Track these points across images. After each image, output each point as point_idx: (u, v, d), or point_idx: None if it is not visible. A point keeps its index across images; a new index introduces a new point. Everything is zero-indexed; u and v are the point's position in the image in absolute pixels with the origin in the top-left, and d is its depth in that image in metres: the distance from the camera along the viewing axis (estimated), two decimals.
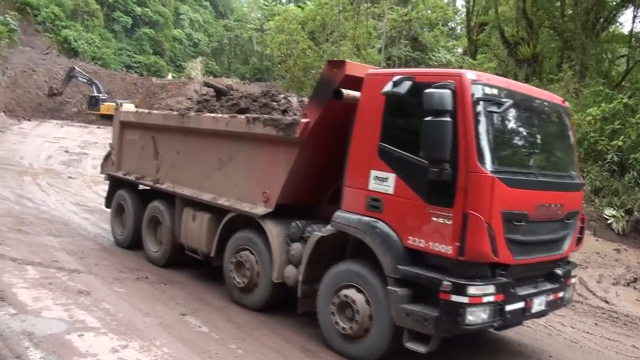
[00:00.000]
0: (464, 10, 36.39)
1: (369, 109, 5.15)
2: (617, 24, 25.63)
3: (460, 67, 35.96)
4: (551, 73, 24.02)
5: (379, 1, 40.04)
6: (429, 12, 39.78)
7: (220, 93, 8.08)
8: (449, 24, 42.75)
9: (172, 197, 7.60)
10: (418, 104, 4.59)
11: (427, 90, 4.47)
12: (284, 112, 6.98)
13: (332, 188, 6.05)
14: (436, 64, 39.80)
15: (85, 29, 50.99)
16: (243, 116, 6.42)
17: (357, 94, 5.29)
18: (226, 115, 6.70)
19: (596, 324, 7.35)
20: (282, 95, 7.43)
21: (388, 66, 41.32)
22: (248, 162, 6.36)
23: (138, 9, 54.74)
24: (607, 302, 8.27)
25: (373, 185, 5.04)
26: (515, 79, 20.70)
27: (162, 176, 7.86)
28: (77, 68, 39.22)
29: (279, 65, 43.40)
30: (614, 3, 23.36)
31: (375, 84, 5.12)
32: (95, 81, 38.43)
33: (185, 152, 7.41)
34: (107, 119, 35.99)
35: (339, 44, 38.98)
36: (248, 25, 59.42)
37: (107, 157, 9.64)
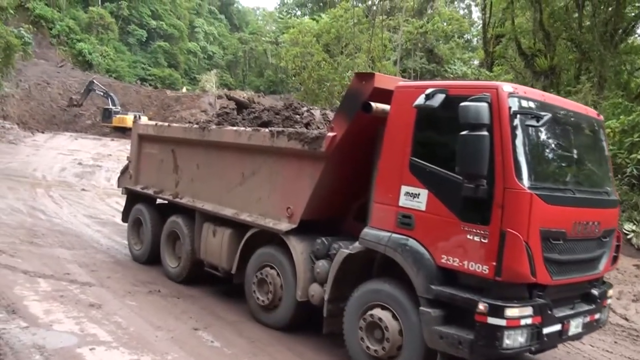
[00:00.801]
0: (480, 22, 36.34)
1: (399, 122, 5.06)
2: (636, 35, 25.38)
3: (477, 80, 35.89)
4: (569, 85, 23.79)
5: (394, 13, 40.10)
6: (445, 24, 39.78)
7: (241, 106, 8.07)
8: (465, 36, 42.74)
9: (192, 212, 7.56)
10: (452, 117, 4.49)
11: (463, 104, 4.36)
12: (307, 125, 6.94)
13: (358, 203, 5.99)
14: (451, 76, 39.73)
15: (99, 42, 51.69)
16: (267, 129, 6.37)
17: (386, 107, 5.22)
18: (249, 129, 6.67)
19: (616, 342, 7.17)
20: (304, 108, 7.38)
21: (403, 78, 41.20)
22: (271, 177, 6.31)
23: (153, 22, 55.49)
24: (626, 319, 8.08)
25: (404, 201, 4.92)
26: None
27: (182, 190, 7.82)
28: (95, 81, 39.67)
29: (293, 78, 43.62)
30: (633, 14, 23.15)
31: (406, 97, 5.02)
32: (111, 94, 38.89)
33: (205, 166, 7.37)
34: (120, 131, 36.52)
35: (354, 56, 39.10)
36: (263, 38, 59.97)
37: (124, 171, 9.65)
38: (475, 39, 42.62)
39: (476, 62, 38.18)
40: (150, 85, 51.26)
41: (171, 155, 8.10)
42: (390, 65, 39.56)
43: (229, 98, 8.34)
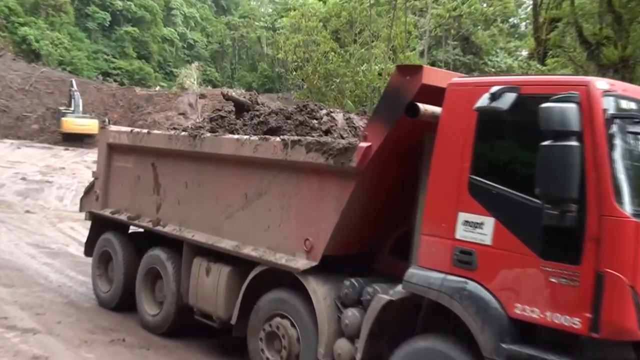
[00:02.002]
0: (530, 2, 36.46)
1: (455, 129, 4.94)
2: None
3: (526, 74, 35.58)
4: None
5: None
6: (485, 5, 39.94)
7: (241, 108, 8.04)
8: (511, 20, 42.91)
9: (178, 243, 7.52)
10: (526, 123, 4.41)
11: (545, 106, 4.22)
12: (326, 132, 6.94)
13: (396, 234, 5.98)
14: (492, 70, 39.84)
15: (50, 27, 51.98)
16: (277, 138, 6.33)
17: (437, 109, 5.11)
18: (254, 137, 6.62)
19: None
20: (323, 111, 7.36)
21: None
22: (284, 200, 6.25)
23: (118, 3, 56.10)
24: None
25: (462, 232, 4.79)
26: None
27: (165, 216, 7.80)
28: (73, 81, 39.98)
29: (294, 73, 43.78)
30: None
31: (464, 97, 4.91)
32: (76, 92, 39.01)
33: (197, 185, 7.35)
34: (73, 139, 36.61)
35: (370, 45, 39.25)
36: (256, 23, 60.43)
37: (88, 190, 9.66)
38: (524, 23, 42.79)
39: (524, 53, 38.30)
40: (115, 81, 51.60)
41: (151, 171, 8.07)
42: (415, 57, 39.71)
43: (227, 98, 8.30)
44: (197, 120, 47.29)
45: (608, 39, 25.74)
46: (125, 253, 8.57)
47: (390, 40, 37.94)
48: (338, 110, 7.87)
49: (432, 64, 40.22)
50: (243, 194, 6.66)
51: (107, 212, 8.85)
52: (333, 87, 39.49)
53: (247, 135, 7.02)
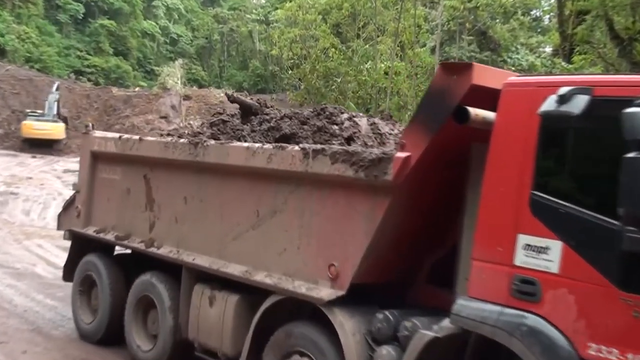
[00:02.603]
0: None
1: (513, 137, 4.78)
2: None
3: (550, 73, 35.87)
4: None
5: None
6: None
7: (248, 111, 7.96)
8: (533, 12, 43.11)
9: (176, 268, 7.40)
10: (602, 130, 4.31)
11: (630, 111, 4.02)
12: (349, 140, 6.88)
13: (433, 258, 5.93)
14: (512, 68, 39.97)
15: (16, 20, 51.86)
16: (297, 147, 6.17)
17: (489, 114, 4.95)
18: (268, 146, 6.47)
19: None
20: (344, 115, 7.27)
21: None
22: (304, 218, 6.10)
23: None
24: None
25: (522, 258, 4.62)
26: None
27: (160, 236, 7.68)
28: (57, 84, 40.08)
29: (289, 72, 43.93)
30: None
31: (523, 99, 4.76)
32: (55, 93, 39.02)
33: (198, 201, 7.23)
34: (36, 145, 36.47)
35: (376, 41, 39.40)
36: (248, 16, 60.69)
37: (68, 205, 9.60)
38: (547, 16, 42.94)
39: (548, 49, 38.47)
40: (89, 80, 51.61)
41: (143, 184, 7.96)
42: (425, 54, 39.93)
43: (232, 100, 8.18)
44: (181, 124, 47.49)
45: None
46: (112, 278, 8.47)
47: (398, 35, 38.06)
48: (361, 114, 7.71)
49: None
50: (254, 211, 6.53)
51: (90, 231, 8.74)
52: (333, 87, 39.64)
53: (258, 142, 6.91)
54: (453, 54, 39.24)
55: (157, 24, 60.41)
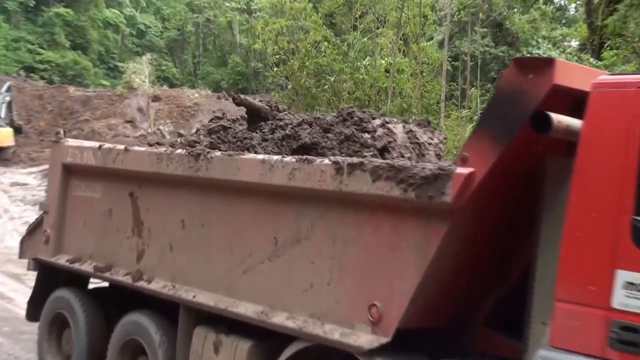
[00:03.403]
0: None
1: (607, 150, 4.56)
2: None
3: None
4: None
5: None
6: None
7: (256, 116, 7.75)
8: (556, 1, 43.43)
9: (171, 307, 7.17)
10: None
11: None
12: (383, 150, 6.74)
13: (496, 296, 5.73)
14: None
15: None
16: (327, 160, 5.88)
17: (574, 121, 4.76)
18: (289, 158, 6.18)
19: None
20: (377, 122, 7.12)
21: (453, 68, 41.73)
22: (336, 248, 5.83)
23: None
24: None
25: (623, 299, 4.39)
26: None
27: (150, 267, 7.47)
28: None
29: (275, 69, 43.78)
30: None
31: (619, 103, 4.54)
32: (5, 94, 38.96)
33: (199, 225, 7.02)
34: None
35: (375, 33, 39.40)
36: (227, 4, 60.77)
37: (34, 229, 9.44)
38: (573, 5, 43.14)
39: (574, 44, 38.46)
40: (42, 78, 51.39)
41: (129, 204, 7.76)
42: (432, 48, 39.87)
43: (238, 103, 7.92)
44: (150, 130, 47.37)
45: None
46: (90, 318, 8.29)
47: (401, 26, 38.00)
48: (395, 119, 7.44)
49: (455, 58, 40.35)
50: (271, 238, 6.27)
51: (62, 261, 8.51)
52: (326, 87, 39.46)
53: (269, 153, 6.75)
54: (464, 48, 39.24)
55: (121, 12, 60.55)
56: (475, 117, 33.88)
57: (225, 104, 56.86)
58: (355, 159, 5.78)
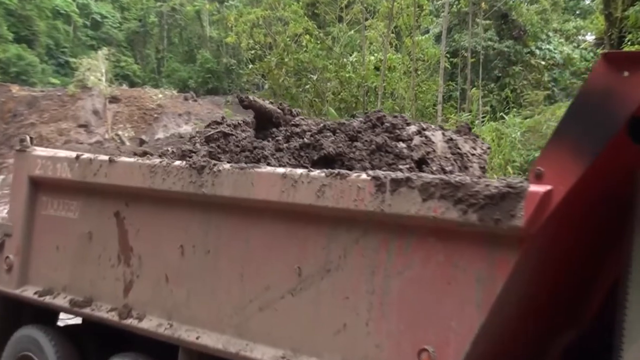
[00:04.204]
0: None
1: None
2: None
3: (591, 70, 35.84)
4: None
5: None
6: None
7: (266, 121, 7.60)
8: None
9: (167, 348, 6.91)
10: None
11: None
12: (421, 162, 6.57)
13: (569, 338, 5.59)
14: (542, 63, 40.25)
15: None
16: (364, 175, 5.60)
17: None
18: (318, 172, 5.90)
19: None
20: (412, 128, 6.84)
21: (452, 65, 41.88)
22: (376, 280, 5.56)
23: None
24: None
25: None
26: None
27: (141, 302, 7.18)
28: None
29: (250, 66, 43.91)
30: None
31: None
32: None
33: (203, 251, 6.73)
34: None
35: (363, 25, 39.59)
36: None
37: None
38: None
39: (590, 38, 38.75)
40: None
41: (114, 225, 7.47)
42: (429, 42, 40.04)
43: (246, 105, 7.65)
44: (107, 135, 47.34)
45: None
46: None
47: (393, 17, 38.14)
48: (432, 126, 7.22)
49: (454, 54, 40.44)
50: (293, 268, 5.99)
51: (28, 293, 8.22)
52: (308, 86, 39.63)
53: (284, 165, 6.64)
54: (464, 43, 39.44)
55: (73, 1, 60.15)
56: (477, 122, 34.02)
57: (193, 106, 57.27)
58: (400, 174, 5.49)
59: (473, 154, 6.97)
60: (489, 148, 7.84)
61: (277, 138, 7.26)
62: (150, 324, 6.95)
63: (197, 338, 6.54)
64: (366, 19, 39.95)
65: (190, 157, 7.36)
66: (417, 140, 6.64)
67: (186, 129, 49.76)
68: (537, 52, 37.45)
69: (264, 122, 7.65)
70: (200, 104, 54.19)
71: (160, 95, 52.94)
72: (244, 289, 6.34)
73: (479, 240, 5.01)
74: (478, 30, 39.42)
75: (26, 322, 8.60)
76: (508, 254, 4.88)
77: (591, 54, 34.86)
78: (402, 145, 6.53)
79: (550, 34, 38.09)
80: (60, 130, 44.35)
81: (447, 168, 6.59)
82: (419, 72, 38.41)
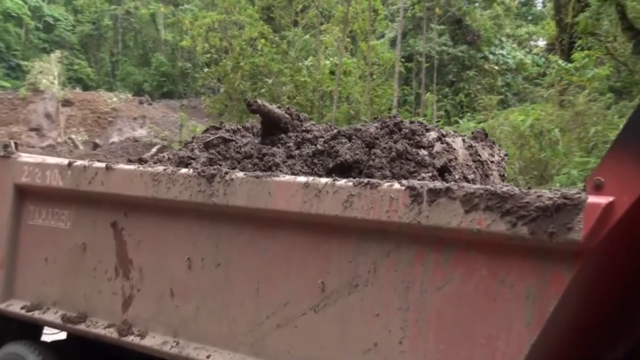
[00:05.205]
0: None
1: None
2: None
3: (543, 75, 36.58)
4: None
5: None
6: None
7: (275, 126, 7.20)
8: None
9: None
10: None
11: None
12: (443, 171, 6.28)
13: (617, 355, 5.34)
14: (496, 67, 40.51)
15: None
16: (397, 185, 5.25)
17: None
18: (346, 182, 5.54)
19: None
20: (432, 134, 6.50)
21: (407, 70, 42.03)
22: (410, 296, 5.22)
23: None
24: None
25: None
26: None
27: (142, 318, 6.81)
28: None
29: (205, 70, 43.87)
30: None
31: None
32: None
33: (212, 264, 6.36)
34: None
35: (319, 30, 39.76)
36: None
37: None
38: (540, 0, 44.02)
39: (541, 43, 39.27)
40: None
41: (111, 236, 7.09)
42: (384, 47, 40.23)
43: (254, 110, 7.23)
44: (60, 139, 46.57)
45: None
46: None
47: (348, 22, 38.20)
48: (452, 132, 6.90)
49: (409, 58, 40.57)
50: (316, 283, 5.64)
51: (14, 308, 7.83)
52: (263, 90, 39.62)
53: (297, 173, 6.35)
54: (419, 47, 39.65)
55: (25, 3, 59.76)
56: (432, 126, 34.03)
57: (148, 110, 57.11)
58: (438, 184, 5.17)
59: (492, 161, 6.71)
60: (506, 155, 7.58)
61: (287, 144, 6.95)
62: (153, 341, 6.60)
63: (207, 357, 6.20)
64: (321, 24, 40.10)
65: (189, 163, 7.08)
66: (438, 147, 6.37)
67: (141, 132, 49.67)
68: (491, 57, 37.92)
69: (272, 128, 7.32)
70: (155, 108, 54.01)
71: (115, 99, 52.73)
72: (260, 305, 6.00)
73: (529, 254, 4.71)
74: (432, 35, 39.73)
75: (11, 338, 8.24)
76: (563, 269, 4.58)
77: (542, 59, 35.23)
78: (423, 152, 6.25)
79: (504, 39, 38.60)
80: (11, 134, 43.89)
81: (469, 176, 6.36)
82: (374, 77, 38.51)
